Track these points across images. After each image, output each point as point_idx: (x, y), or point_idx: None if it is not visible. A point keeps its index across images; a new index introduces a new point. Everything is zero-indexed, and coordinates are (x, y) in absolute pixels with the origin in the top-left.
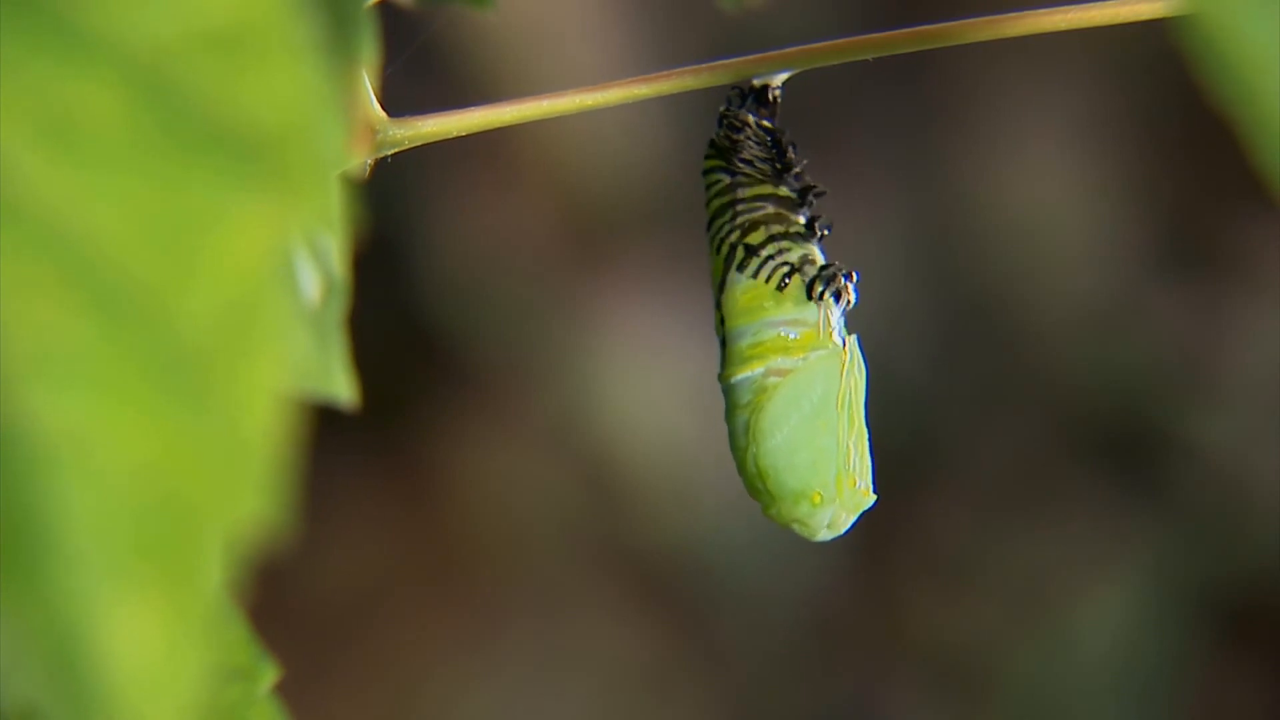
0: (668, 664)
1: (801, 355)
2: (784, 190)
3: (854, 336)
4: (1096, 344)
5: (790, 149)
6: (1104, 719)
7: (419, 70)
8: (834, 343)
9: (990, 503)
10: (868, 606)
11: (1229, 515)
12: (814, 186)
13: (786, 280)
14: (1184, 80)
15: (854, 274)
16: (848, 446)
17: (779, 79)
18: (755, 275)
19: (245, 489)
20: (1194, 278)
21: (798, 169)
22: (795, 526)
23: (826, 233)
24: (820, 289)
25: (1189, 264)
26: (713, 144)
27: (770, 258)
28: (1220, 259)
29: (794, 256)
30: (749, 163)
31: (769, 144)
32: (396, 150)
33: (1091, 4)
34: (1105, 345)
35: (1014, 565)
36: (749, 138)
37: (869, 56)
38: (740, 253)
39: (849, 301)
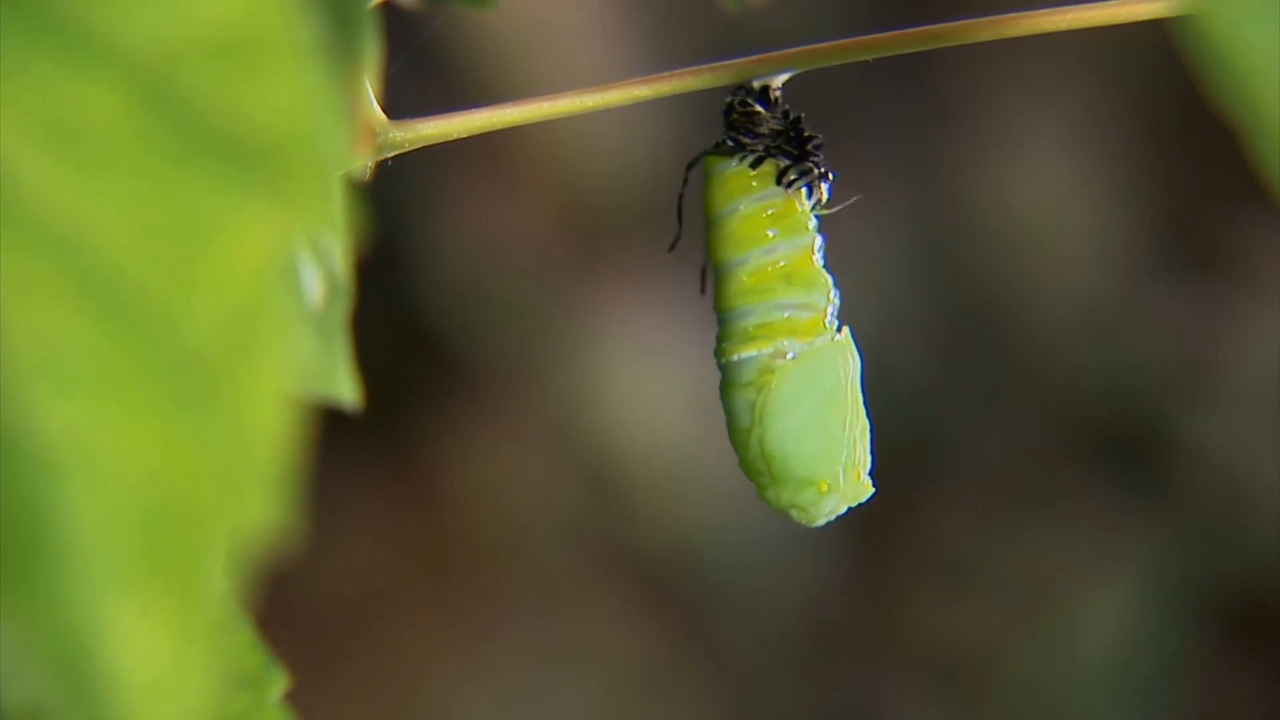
0: (667, 663)
1: (808, 340)
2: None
3: (847, 328)
4: (1097, 344)
5: (802, 122)
6: (1104, 719)
7: (419, 71)
8: (834, 332)
9: (990, 502)
10: (868, 606)
11: (1229, 515)
12: (815, 138)
13: (759, 164)
14: (1184, 80)
15: (830, 173)
16: (855, 437)
17: (780, 79)
18: (730, 155)
19: (250, 493)
20: (1194, 278)
21: (806, 132)
22: (793, 512)
23: (819, 153)
24: (792, 177)
25: (1189, 264)
26: (719, 142)
27: (750, 148)
28: (1220, 259)
29: (770, 146)
30: (759, 136)
31: (782, 117)
32: (397, 152)
33: (1091, 4)
34: (1105, 345)
35: (1014, 565)
36: (762, 113)
37: (870, 57)
38: (727, 144)
39: (821, 198)
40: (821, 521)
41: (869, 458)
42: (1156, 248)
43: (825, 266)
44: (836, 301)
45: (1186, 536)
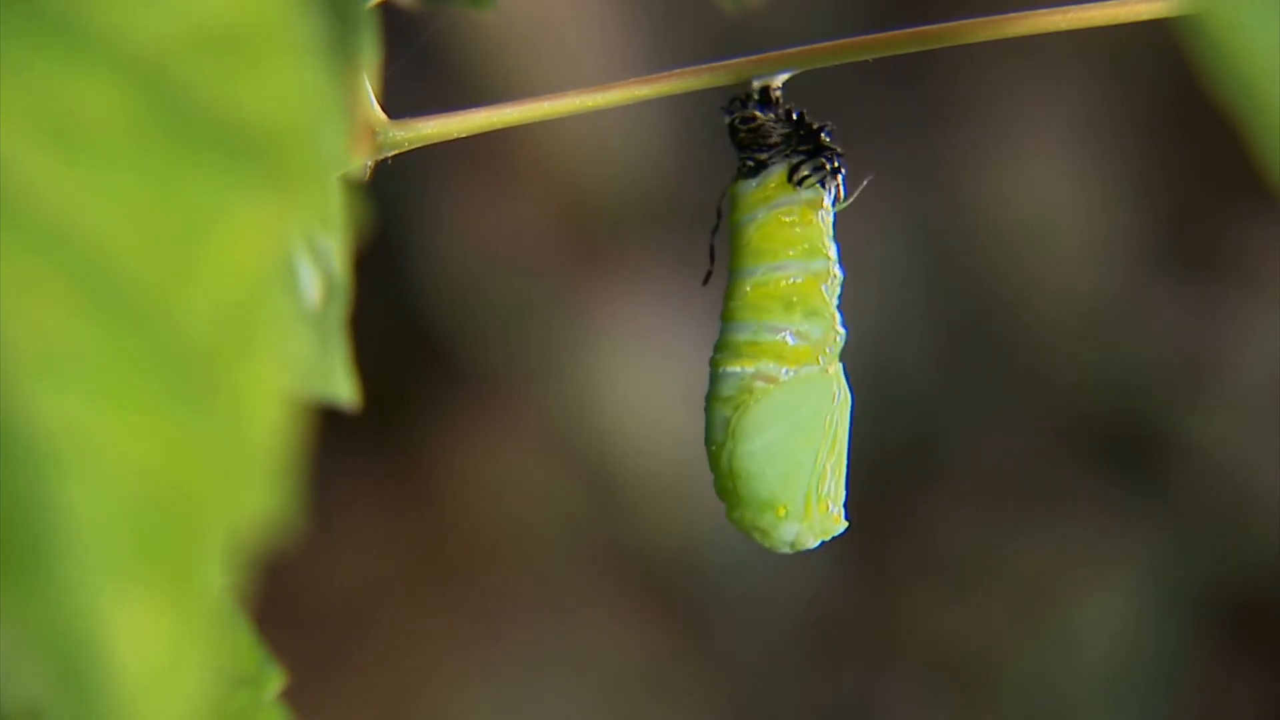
0: (668, 664)
1: (794, 367)
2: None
3: (840, 365)
4: (1097, 344)
5: (804, 113)
6: (1104, 718)
7: (419, 71)
8: (826, 365)
9: (991, 503)
10: (868, 606)
11: (1229, 515)
12: (825, 126)
13: (773, 161)
14: (1184, 80)
15: (842, 167)
16: (825, 469)
17: (779, 79)
18: (753, 177)
19: (248, 487)
20: (1194, 278)
21: (815, 124)
22: (755, 535)
23: (832, 141)
24: (804, 173)
25: (1189, 264)
26: (740, 168)
27: (769, 161)
28: (1220, 259)
29: (782, 143)
30: (772, 147)
31: (785, 117)
32: (397, 152)
33: (1091, 4)
34: (1106, 345)
35: (1015, 565)
36: (767, 123)
37: (869, 57)
38: (748, 166)
39: (838, 194)
40: (785, 549)
41: (842, 492)
42: (1157, 248)
43: (839, 307)
44: (839, 340)
45: (1186, 536)
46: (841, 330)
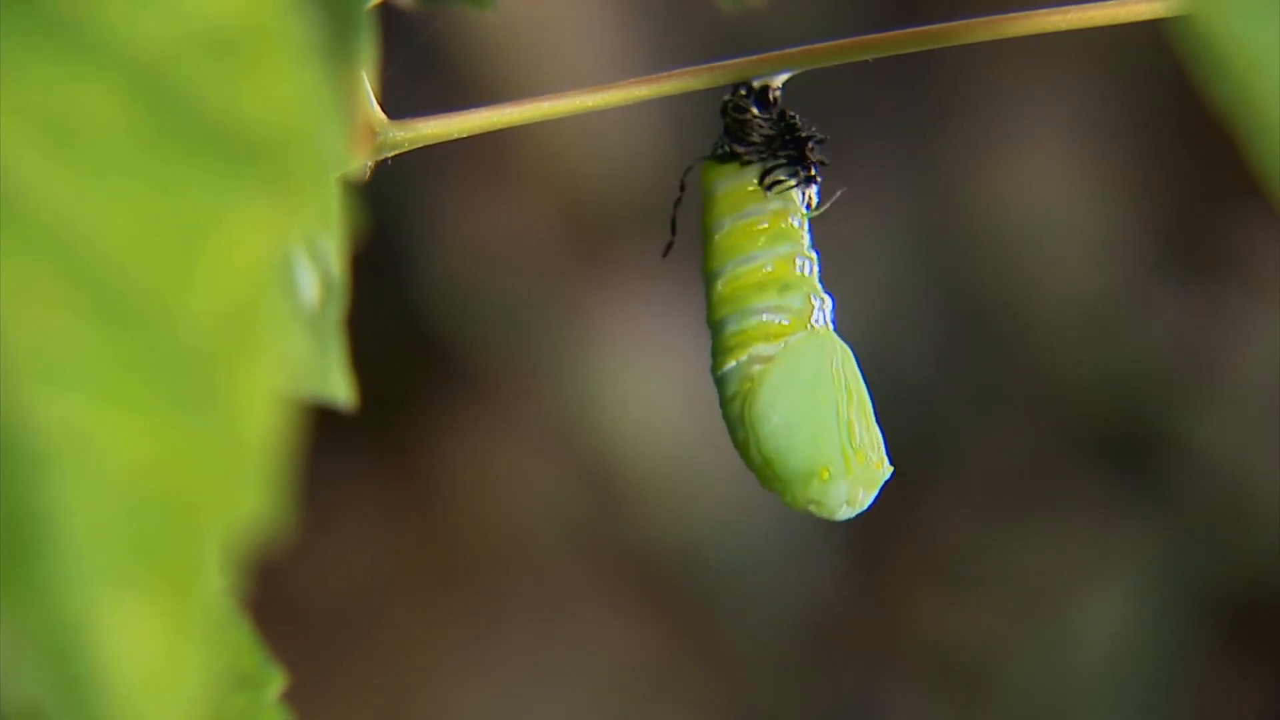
0: (667, 664)
1: (782, 340)
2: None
3: (830, 326)
4: (1097, 344)
5: (796, 119)
6: (1104, 719)
7: (419, 71)
8: (813, 326)
9: (991, 503)
10: (868, 607)
11: (1229, 515)
12: (815, 135)
13: (749, 159)
14: (1184, 81)
15: (817, 175)
16: (850, 419)
17: (779, 80)
18: (724, 163)
19: (245, 490)
20: (1194, 278)
21: (803, 132)
22: (812, 508)
23: (815, 151)
24: (777, 178)
25: (1189, 264)
26: (715, 149)
27: (743, 157)
28: (1220, 259)
29: (763, 153)
30: (750, 144)
31: (776, 120)
32: (397, 152)
33: (1091, 4)
34: (1106, 345)
35: (1014, 565)
36: (756, 119)
37: (869, 57)
38: (723, 149)
39: (811, 201)
40: (845, 512)
41: (878, 436)
42: (1157, 248)
43: (819, 276)
44: (821, 304)
45: (1186, 536)
46: (825, 296)
